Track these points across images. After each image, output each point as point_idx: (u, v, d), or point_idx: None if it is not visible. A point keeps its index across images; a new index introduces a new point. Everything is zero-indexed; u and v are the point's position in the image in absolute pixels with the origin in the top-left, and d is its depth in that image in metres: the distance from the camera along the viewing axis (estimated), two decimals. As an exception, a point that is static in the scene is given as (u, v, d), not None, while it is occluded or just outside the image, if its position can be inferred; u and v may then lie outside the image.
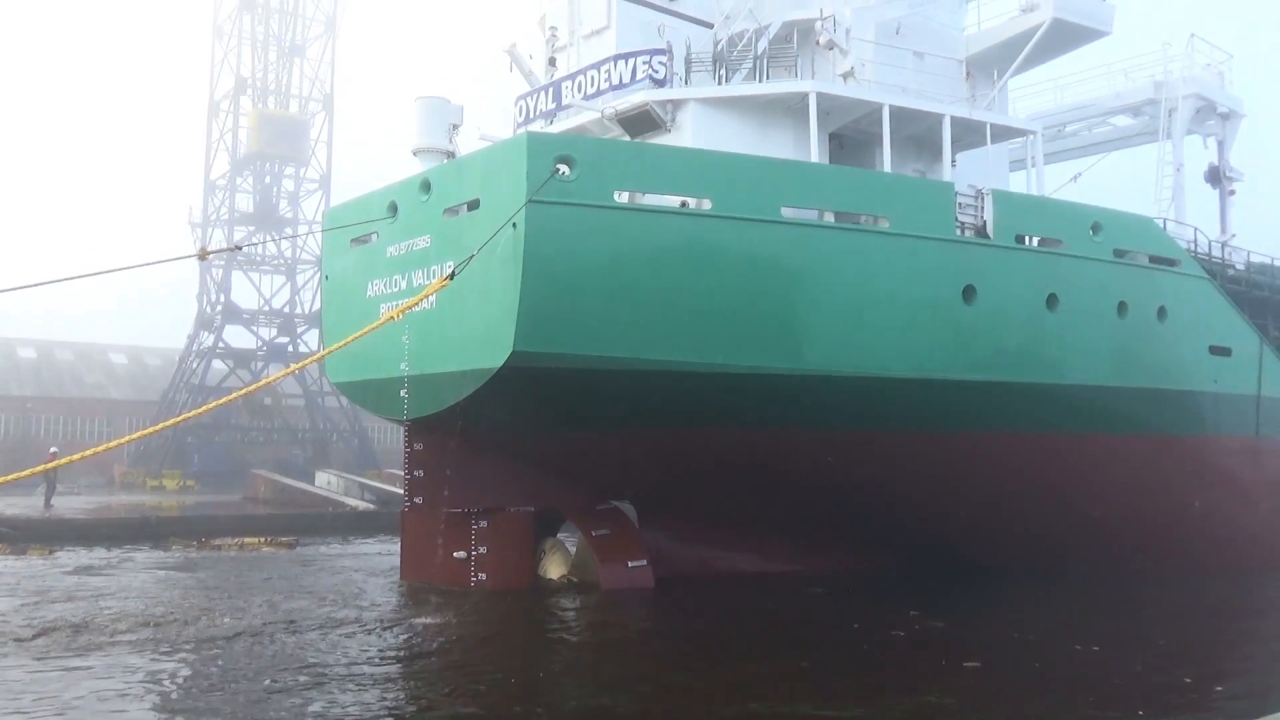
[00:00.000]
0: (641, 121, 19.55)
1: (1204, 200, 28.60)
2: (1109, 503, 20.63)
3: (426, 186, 17.88)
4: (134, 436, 13.28)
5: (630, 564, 19.01)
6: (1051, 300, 19.31)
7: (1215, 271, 23.69)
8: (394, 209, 18.52)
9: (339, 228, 20.15)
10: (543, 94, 21.13)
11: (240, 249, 44.93)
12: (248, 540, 26.05)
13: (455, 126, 19.54)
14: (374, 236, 19.12)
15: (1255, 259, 26.47)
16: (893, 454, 18.44)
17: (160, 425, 15.26)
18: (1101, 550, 20.60)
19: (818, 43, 20.38)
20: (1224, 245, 26.10)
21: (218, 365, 54.60)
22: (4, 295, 11.89)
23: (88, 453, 11.32)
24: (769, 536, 19.93)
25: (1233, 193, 28.81)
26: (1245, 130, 29.47)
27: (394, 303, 18.10)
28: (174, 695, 11.33)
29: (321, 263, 21.99)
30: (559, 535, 20.92)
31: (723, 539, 19.98)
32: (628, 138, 19.77)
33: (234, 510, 34.19)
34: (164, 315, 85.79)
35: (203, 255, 16.42)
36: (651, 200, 16.96)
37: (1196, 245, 24.02)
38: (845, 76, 20.00)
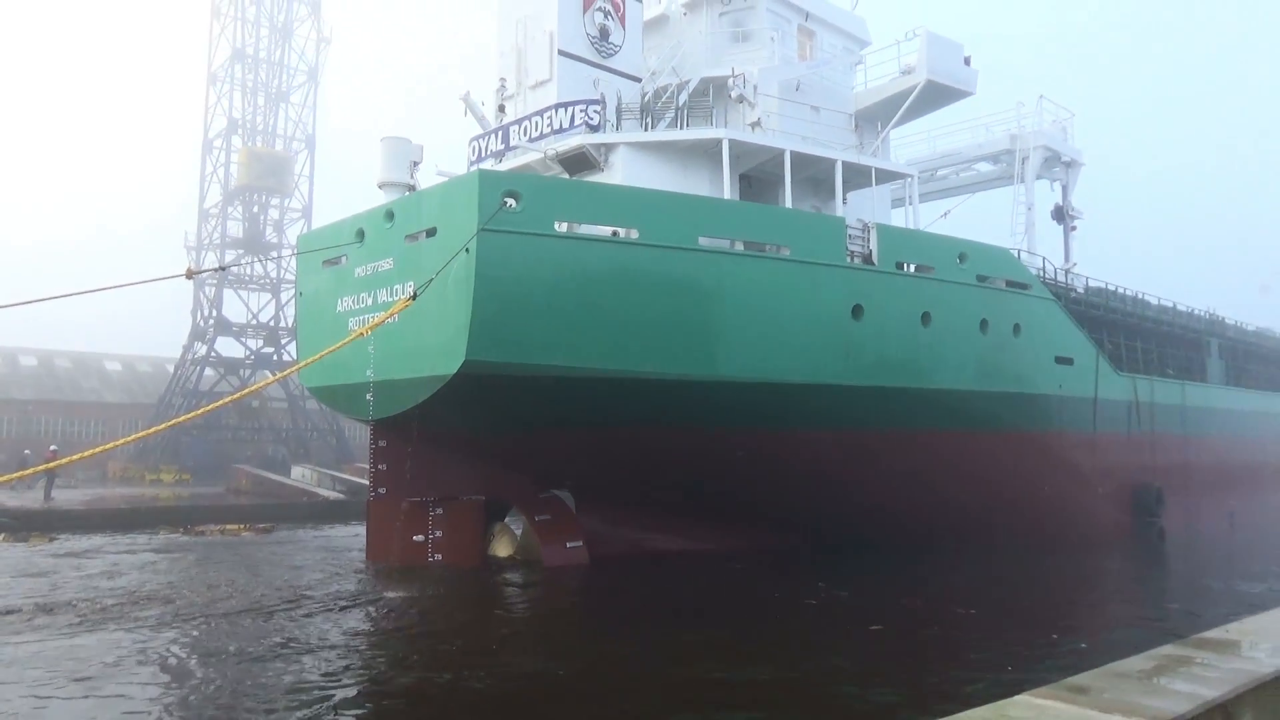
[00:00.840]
0: (579, 161, 19.32)
1: (1051, 234, 29.27)
2: (975, 488, 20.86)
3: (390, 215, 17.44)
4: (138, 436, 12.62)
5: (569, 544, 18.71)
6: (926, 318, 19.45)
7: (1060, 294, 24.15)
8: (361, 235, 18.03)
9: (313, 251, 19.56)
10: (493, 136, 20.78)
11: (223, 269, 43.71)
12: (229, 526, 25.06)
13: (416, 163, 19.05)
14: (343, 259, 18.58)
15: (1092, 284, 27.13)
16: (793, 448, 18.40)
17: (162, 425, 14.81)
18: (969, 528, 20.81)
19: (730, 97, 20.35)
20: (1067, 272, 26.69)
21: (209, 372, 53.24)
22: (9, 308, 11.31)
23: (93, 451, 10.78)
24: (689, 520, 19.74)
25: (1074, 228, 29.51)
26: (1084, 176, 30.25)
27: (361, 316, 17.67)
28: (165, 666, 10.75)
29: (297, 282, 21.32)
30: (506, 520, 20.48)
31: (649, 522, 19.75)
32: (567, 175, 19.52)
33: (218, 501, 33.00)
34: (155, 327, 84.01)
35: (189, 275, 15.73)
36: (587, 230, 16.71)
37: (1045, 272, 24.48)
38: (753, 126, 19.98)
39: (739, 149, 19.75)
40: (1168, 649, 6.53)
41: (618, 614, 15.03)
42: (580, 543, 18.76)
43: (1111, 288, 27.71)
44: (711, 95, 21.12)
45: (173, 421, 14.49)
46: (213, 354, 53.74)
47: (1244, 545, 26.00)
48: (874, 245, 19.03)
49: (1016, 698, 5.27)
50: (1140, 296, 29.03)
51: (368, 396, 17.31)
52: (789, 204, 19.79)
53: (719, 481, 18.68)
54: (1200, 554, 24.05)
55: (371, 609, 14.52)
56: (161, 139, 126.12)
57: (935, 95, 22.88)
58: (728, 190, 19.32)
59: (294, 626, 12.90)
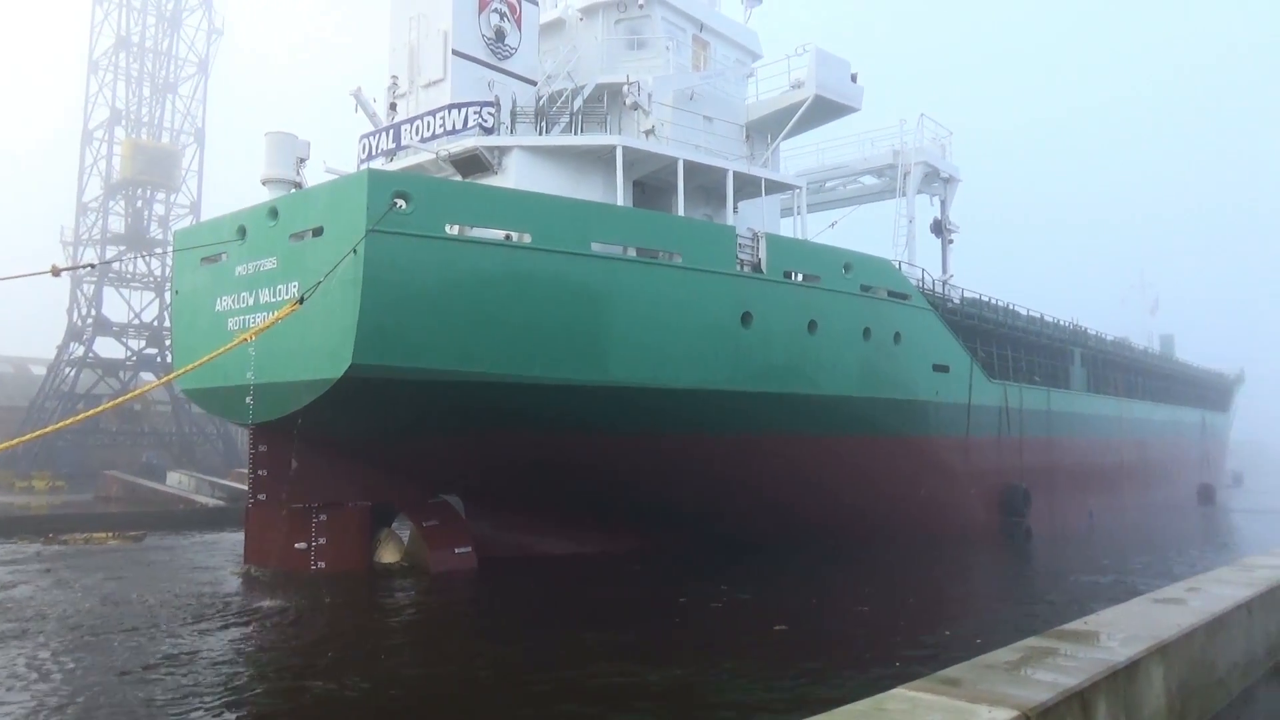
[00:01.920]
0: (472, 164, 18.85)
1: (930, 247, 30.08)
2: (857, 490, 21.21)
3: (274, 213, 16.58)
4: (13, 443, 11.54)
5: (457, 550, 18.14)
6: (812, 325, 19.67)
7: (937, 304, 24.82)
8: (243, 232, 17.10)
9: (191, 248, 18.47)
10: (384, 134, 20.07)
11: (93, 266, 41.11)
12: (96, 535, 23.30)
13: (302, 160, 18.23)
14: (223, 256, 17.59)
15: (967, 295, 27.96)
16: (683, 452, 18.33)
17: (39, 432, 13.67)
18: (853, 528, 21.14)
19: (625, 104, 20.19)
20: (944, 283, 27.46)
21: (87, 374, 50.08)
22: None
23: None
24: (580, 523, 19.43)
25: (951, 241, 30.38)
26: (961, 192, 31.17)
27: (241, 317, 16.76)
28: (24, 687, 9.78)
29: (172, 279, 20.09)
30: (393, 525, 19.71)
31: (539, 526, 19.36)
32: (459, 177, 19.02)
33: (87, 509, 30.71)
34: (22, 326, 78.59)
35: (55, 272, 14.57)
36: (479, 233, 16.25)
37: (924, 283, 25.14)
38: (647, 134, 19.89)
39: (633, 156, 19.61)
40: (1032, 641, 6.80)
41: (510, 619, 14.57)
42: (469, 549, 18.22)
43: (985, 299, 28.67)
44: (606, 101, 20.92)
45: (52, 428, 13.36)
46: (91, 355, 50.71)
47: (1102, 541, 27.27)
48: (763, 254, 19.16)
49: (893, 691, 5.39)
50: (1011, 307, 30.15)
51: (248, 400, 16.40)
52: (681, 212, 19.76)
53: (608, 484, 18.44)
54: (1063, 550, 25.06)
55: (245, 619, 13.68)
56: (35, 126, 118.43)
57: (823, 110, 23.23)
58: (621, 197, 19.15)
59: (156, 641, 12.01)
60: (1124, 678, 6.00)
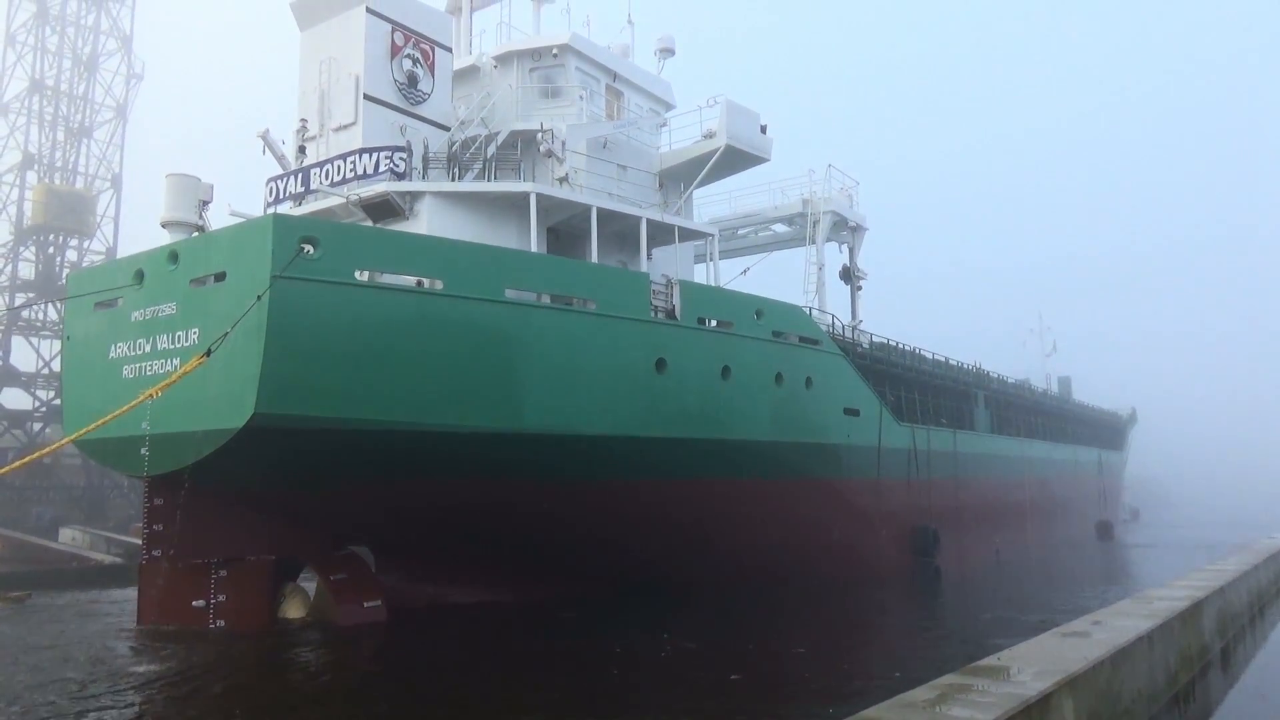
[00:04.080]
0: (383, 209, 18.25)
1: (839, 293, 30.38)
2: (771, 532, 20.95)
3: (174, 257, 15.68)
4: None
5: (366, 604, 17.15)
6: (725, 371, 19.49)
7: (847, 349, 24.98)
8: (140, 276, 16.11)
9: (85, 293, 17.35)
10: (293, 178, 19.32)
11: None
12: (-30, 596, 21.41)
13: (205, 202, 17.35)
14: (119, 301, 16.54)
15: (876, 340, 28.25)
16: (598, 498, 17.82)
17: None
18: (768, 570, 20.81)
19: (539, 151, 19.93)
20: (854, 329, 27.73)
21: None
22: None
23: None
24: (494, 571, 18.65)
25: (860, 288, 30.75)
26: (868, 240, 31.68)
27: (136, 364, 15.73)
28: None
29: (64, 324, 18.88)
30: (299, 580, 18.57)
31: (452, 575, 18.52)
32: (370, 222, 18.38)
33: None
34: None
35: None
36: (390, 279, 15.62)
37: (834, 328, 25.30)
38: (561, 181, 19.62)
39: (547, 203, 19.31)
40: (949, 678, 6.87)
41: (426, 674, 13.64)
42: (379, 602, 17.25)
43: (893, 343, 28.99)
44: (520, 148, 20.64)
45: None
46: (-6, 405, 47.78)
47: (1009, 578, 27.52)
48: (677, 300, 18.98)
49: (816, 736, 5.23)
50: (917, 351, 30.56)
51: (142, 451, 15.32)
52: (595, 259, 19.49)
53: (523, 532, 17.77)
54: (973, 588, 25.17)
55: (135, 686, 12.47)
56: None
57: (734, 159, 23.40)
58: (535, 243, 18.79)
59: (35, 714, 10.82)
60: (1037, 711, 6.07)
